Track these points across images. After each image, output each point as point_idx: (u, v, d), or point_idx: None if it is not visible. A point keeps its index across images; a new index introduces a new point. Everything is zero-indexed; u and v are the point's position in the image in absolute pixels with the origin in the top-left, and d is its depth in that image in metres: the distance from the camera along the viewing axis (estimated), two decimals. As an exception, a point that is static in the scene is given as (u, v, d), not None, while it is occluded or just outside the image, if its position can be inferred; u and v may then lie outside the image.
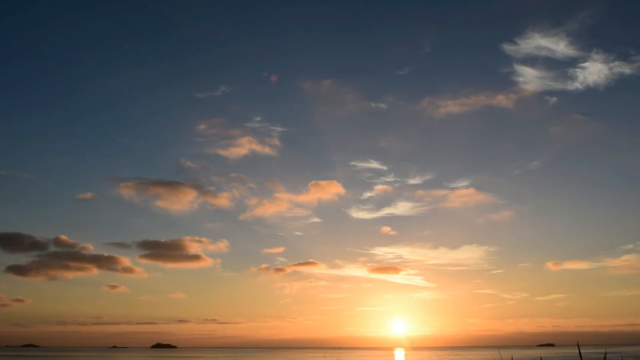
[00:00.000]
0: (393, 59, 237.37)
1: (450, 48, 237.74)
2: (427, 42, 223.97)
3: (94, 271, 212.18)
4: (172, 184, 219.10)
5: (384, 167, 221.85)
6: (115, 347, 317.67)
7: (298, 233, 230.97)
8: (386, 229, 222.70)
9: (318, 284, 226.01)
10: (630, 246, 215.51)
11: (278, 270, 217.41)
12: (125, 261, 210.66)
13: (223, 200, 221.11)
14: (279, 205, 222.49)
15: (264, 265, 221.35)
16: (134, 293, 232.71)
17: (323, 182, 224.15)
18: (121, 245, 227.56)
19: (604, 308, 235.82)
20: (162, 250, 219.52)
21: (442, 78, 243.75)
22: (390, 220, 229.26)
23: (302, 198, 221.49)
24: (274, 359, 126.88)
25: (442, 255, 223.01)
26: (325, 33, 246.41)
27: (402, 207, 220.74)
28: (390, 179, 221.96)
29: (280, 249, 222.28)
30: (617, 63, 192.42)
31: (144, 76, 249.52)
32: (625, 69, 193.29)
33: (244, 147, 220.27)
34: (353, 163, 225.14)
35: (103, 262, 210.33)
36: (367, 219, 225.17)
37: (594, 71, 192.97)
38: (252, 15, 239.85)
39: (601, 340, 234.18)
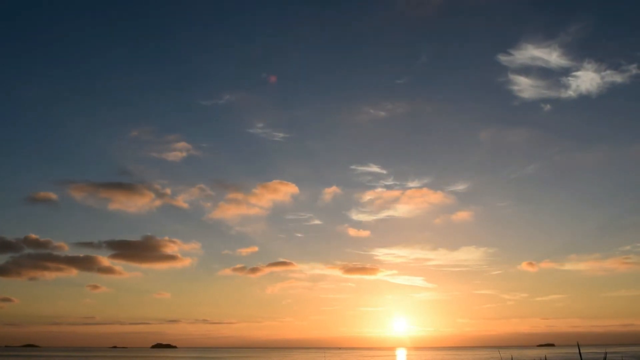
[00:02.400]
0: (391, 69, 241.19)
1: (446, 59, 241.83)
2: (424, 54, 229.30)
3: (74, 271, 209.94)
4: (125, 186, 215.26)
5: (384, 171, 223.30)
6: (115, 347, 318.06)
7: (267, 234, 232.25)
8: (353, 230, 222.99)
9: (299, 284, 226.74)
10: (628, 247, 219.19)
11: (254, 270, 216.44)
12: (103, 261, 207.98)
13: (180, 202, 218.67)
14: (237, 206, 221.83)
15: (239, 265, 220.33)
16: (119, 293, 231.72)
17: (275, 183, 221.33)
18: (89, 245, 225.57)
19: (602, 308, 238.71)
20: (134, 251, 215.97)
21: (439, 87, 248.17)
22: (381, 222, 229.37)
23: (256, 199, 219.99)
24: (278, 359, 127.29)
25: (441, 257, 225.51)
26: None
27: (401, 209, 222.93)
28: (390, 182, 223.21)
29: (254, 249, 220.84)
30: (608, 72, 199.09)
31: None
32: (617, 78, 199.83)
33: (182, 150, 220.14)
34: (353, 167, 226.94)
35: (80, 262, 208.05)
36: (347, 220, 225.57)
37: (587, 80, 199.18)
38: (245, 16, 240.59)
39: (600, 340, 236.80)
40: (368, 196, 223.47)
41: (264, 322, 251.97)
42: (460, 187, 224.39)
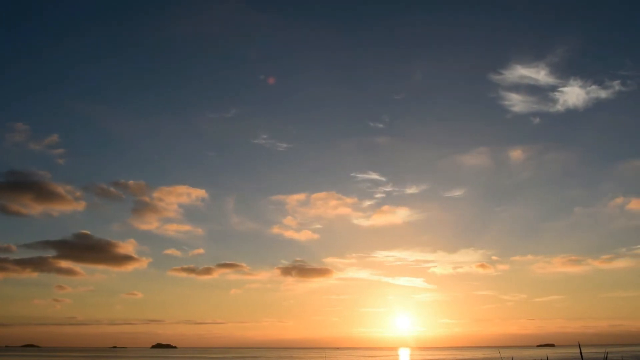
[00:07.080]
0: (388, 85, 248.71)
1: (440, 77, 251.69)
2: (419, 72, 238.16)
3: (33, 273, 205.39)
4: (34, 186, 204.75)
5: (383, 178, 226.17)
6: (115, 347, 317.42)
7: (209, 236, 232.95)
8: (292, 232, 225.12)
9: (262, 286, 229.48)
10: (624, 249, 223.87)
11: (208, 270, 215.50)
12: (60, 262, 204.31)
13: (95, 203, 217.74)
14: (160, 207, 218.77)
15: (188, 266, 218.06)
16: (90, 293, 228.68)
17: (179, 188, 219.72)
18: (30, 246, 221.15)
19: (601, 309, 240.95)
20: (83, 251, 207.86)
21: (434, 102, 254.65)
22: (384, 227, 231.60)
23: (164, 204, 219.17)
24: (279, 358, 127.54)
25: (441, 258, 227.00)
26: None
27: (401, 214, 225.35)
28: (389, 188, 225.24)
29: (201, 251, 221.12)
30: (593, 87, 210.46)
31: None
32: (601, 94, 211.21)
33: (62, 157, 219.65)
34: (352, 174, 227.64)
35: (37, 263, 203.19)
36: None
37: (573, 95, 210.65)
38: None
39: (599, 340, 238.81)
40: (367, 202, 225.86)
41: (248, 322, 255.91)
42: (457, 192, 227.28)
